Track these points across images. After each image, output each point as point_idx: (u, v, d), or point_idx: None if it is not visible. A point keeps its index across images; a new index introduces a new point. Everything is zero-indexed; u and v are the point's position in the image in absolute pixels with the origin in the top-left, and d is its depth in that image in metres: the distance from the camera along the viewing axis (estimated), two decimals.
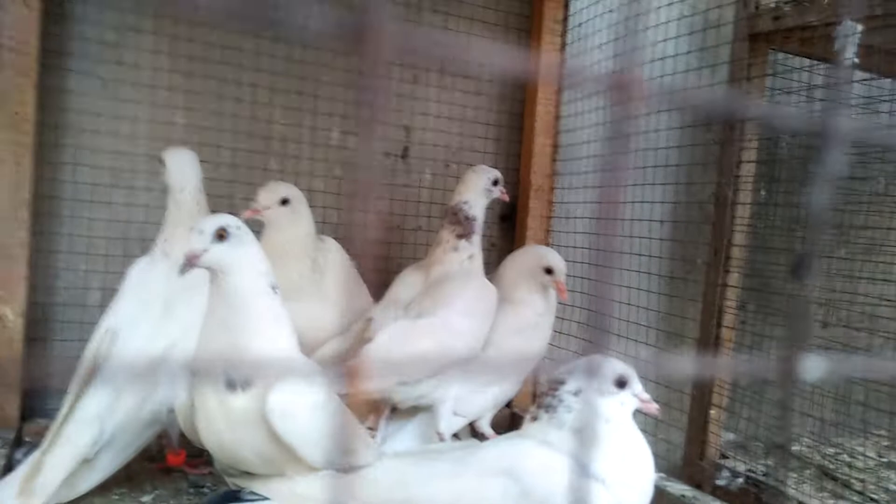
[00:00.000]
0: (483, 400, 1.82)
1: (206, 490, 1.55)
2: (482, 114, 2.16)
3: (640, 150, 2.00)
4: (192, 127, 1.85)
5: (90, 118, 1.77)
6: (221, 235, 1.18)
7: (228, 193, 1.85)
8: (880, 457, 2.42)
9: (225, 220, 1.20)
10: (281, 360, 1.20)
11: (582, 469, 0.97)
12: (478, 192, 1.81)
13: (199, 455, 1.57)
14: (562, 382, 1.12)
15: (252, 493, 1.22)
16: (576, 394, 1.10)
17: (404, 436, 1.74)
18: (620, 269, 1.95)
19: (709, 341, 1.98)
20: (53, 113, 1.73)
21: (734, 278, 1.97)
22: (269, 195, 1.69)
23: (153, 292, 1.51)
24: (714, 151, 2.02)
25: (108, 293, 1.73)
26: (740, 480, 1.96)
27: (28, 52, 1.59)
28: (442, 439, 1.75)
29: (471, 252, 1.78)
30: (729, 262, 1.95)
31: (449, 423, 1.78)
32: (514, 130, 2.19)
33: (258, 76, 1.89)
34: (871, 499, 2.03)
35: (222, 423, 1.20)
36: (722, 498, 1.69)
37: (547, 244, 2.12)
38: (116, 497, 1.47)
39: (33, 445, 1.46)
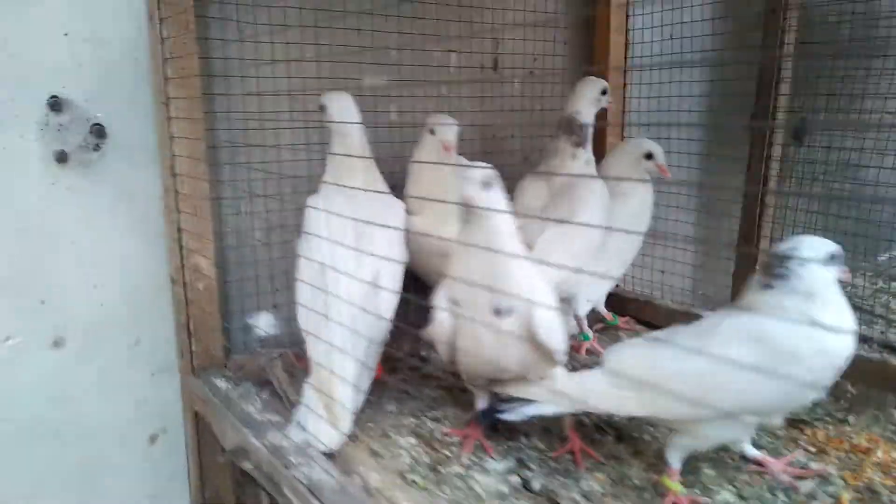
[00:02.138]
0: (604, 285, 2.14)
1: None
2: (552, 18, 2.29)
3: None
4: (322, 65, 1.90)
5: (233, 64, 1.80)
6: (489, 183, 1.36)
7: None
8: None
9: (486, 171, 1.38)
10: (535, 288, 1.43)
11: (818, 324, 1.25)
12: (589, 101, 1.99)
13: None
14: (786, 256, 1.34)
15: (511, 399, 1.47)
16: (802, 265, 1.32)
17: None
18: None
19: None
20: (205, 64, 1.74)
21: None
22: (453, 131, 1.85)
23: (341, 226, 1.66)
24: None
25: (269, 231, 1.86)
26: None
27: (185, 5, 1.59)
28: (580, 322, 2.07)
29: (587, 157, 1.99)
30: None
31: (584, 307, 2.10)
32: (584, 31, 2.36)
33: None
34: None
35: (491, 342, 1.42)
36: None
37: (622, 138, 2.37)
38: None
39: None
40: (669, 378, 1.31)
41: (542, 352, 1.45)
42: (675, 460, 1.43)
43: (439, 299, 1.48)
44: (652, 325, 2.22)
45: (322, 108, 1.72)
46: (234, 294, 1.90)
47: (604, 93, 2.02)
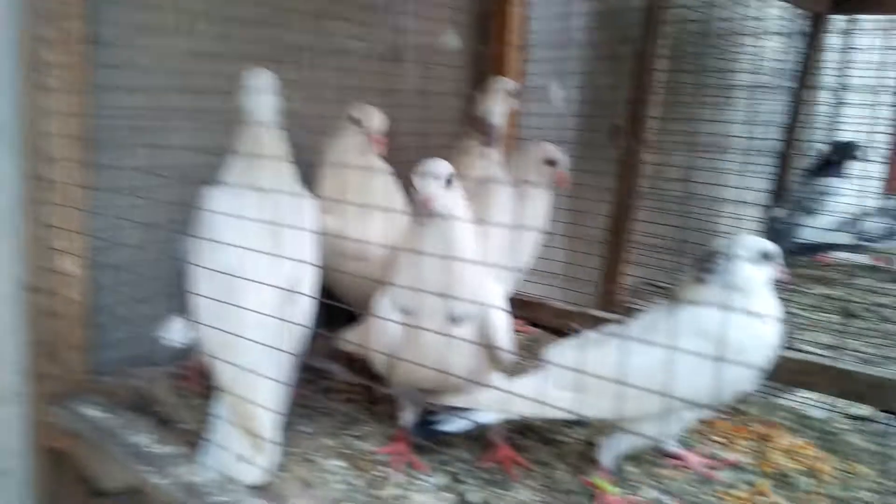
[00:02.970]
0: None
1: None
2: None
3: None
4: (222, 38, 1.66)
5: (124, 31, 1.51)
6: (450, 181, 1.25)
7: None
8: None
9: (446, 165, 1.27)
10: (490, 292, 1.37)
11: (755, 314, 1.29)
12: (498, 101, 1.98)
13: None
14: (719, 253, 1.38)
15: (448, 408, 1.38)
16: (731, 260, 1.36)
17: None
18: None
19: None
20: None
21: None
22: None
23: (249, 228, 1.45)
24: None
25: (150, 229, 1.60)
26: None
27: None
28: None
29: (496, 158, 1.98)
30: None
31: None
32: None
33: None
34: None
35: (444, 350, 1.32)
36: None
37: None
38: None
39: None
40: (617, 376, 1.24)
41: (494, 358, 1.40)
42: (608, 460, 1.43)
43: (384, 307, 1.36)
44: (546, 328, 2.24)
45: (238, 86, 1.50)
46: (106, 304, 1.60)
47: (513, 93, 2.01)
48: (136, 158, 1.58)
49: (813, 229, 3.17)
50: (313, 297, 1.45)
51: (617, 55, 2.59)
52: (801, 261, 3.28)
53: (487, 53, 2.22)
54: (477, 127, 1.95)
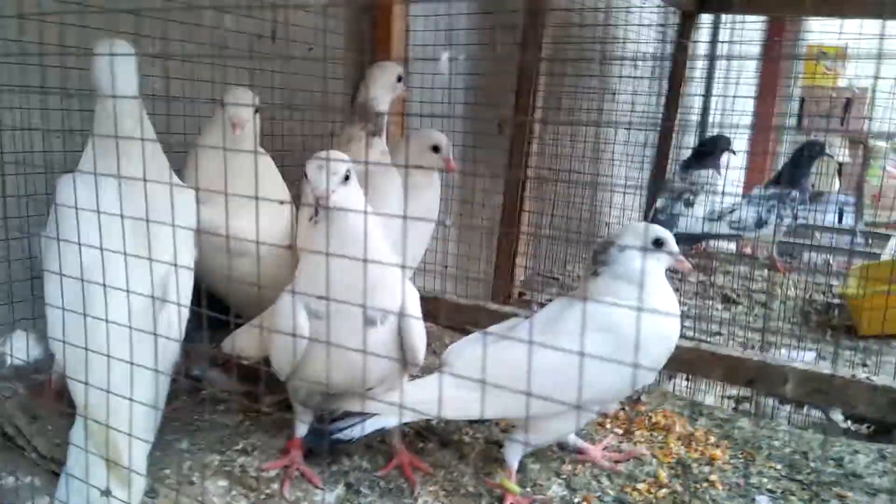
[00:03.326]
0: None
1: None
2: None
3: None
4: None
5: None
6: (347, 176, 1.14)
7: None
8: None
9: (345, 158, 1.16)
10: (405, 293, 1.28)
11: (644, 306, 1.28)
12: (385, 88, 1.87)
13: None
14: (611, 244, 1.35)
15: (348, 414, 1.30)
16: (621, 251, 1.33)
17: None
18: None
19: None
20: None
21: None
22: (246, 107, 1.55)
23: (111, 225, 1.22)
24: None
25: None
26: None
27: None
28: None
29: (382, 147, 1.87)
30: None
31: None
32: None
33: None
34: None
35: (356, 354, 1.17)
36: None
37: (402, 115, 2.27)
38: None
39: None
40: (520, 375, 1.16)
41: (407, 360, 1.31)
42: (514, 460, 1.38)
43: (289, 308, 1.22)
44: (440, 324, 2.16)
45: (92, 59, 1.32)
46: None
47: (399, 79, 1.91)
48: None
49: (691, 219, 3.30)
50: (186, 304, 1.29)
51: (500, 44, 2.55)
52: (682, 250, 3.42)
53: (372, 36, 2.11)
54: (363, 115, 1.83)
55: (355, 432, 1.29)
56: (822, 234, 3.96)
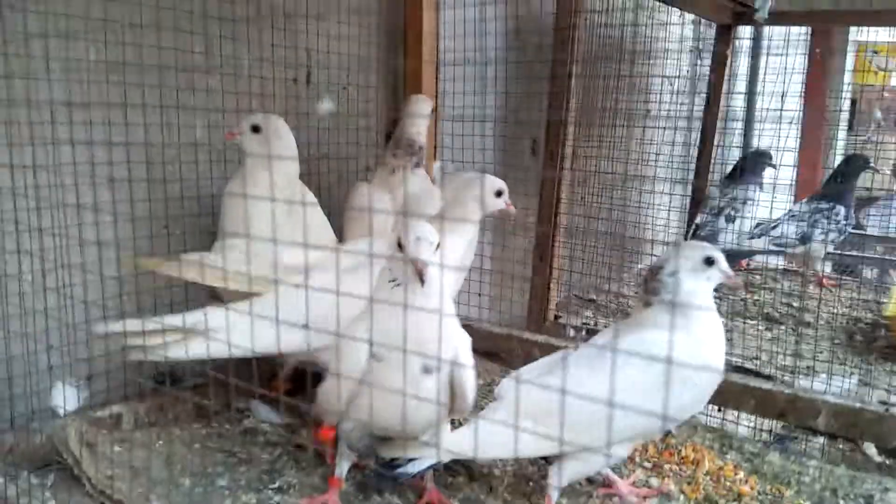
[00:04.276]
0: None
1: None
2: (364, 32, 2.17)
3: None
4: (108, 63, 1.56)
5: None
6: (438, 245, 1.21)
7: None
8: None
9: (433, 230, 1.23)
10: (459, 345, 1.31)
11: (692, 339, 1.30)
12: (425, 122, 2.00)
13: None
14: (661, 267, 1.36)
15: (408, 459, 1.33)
16: (672, 275, 1.35)
17: None
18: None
19: None
20: None
21: None
22: (245, 121, 1.69)
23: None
24: None
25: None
26: (584, 333, 2.56)
27: None
28: None
29: (424, 175, 2.00)
30: None
31: None
32: (396, 49, 2.27)
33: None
34: None
35: (411, 400, 1.21)
36: None
37: (433, 153, 2.33)
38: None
39: None
40: (577, 410, 1.21)
41: (457, 408, 1.34)
42: (556, 494, 1.40)
43: (354, 350, 1.28)
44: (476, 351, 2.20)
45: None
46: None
47: (432, 111, 2.05)
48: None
49: (733, 235, 3.26)
50: None
51: (532, 73, 2.59)
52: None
53: (401, 71, 2.19)
54: (409, 149, 1.94)
55: (413, 468, 1.32)
56: (877, 243, 3.85)
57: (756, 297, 3.14)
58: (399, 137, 1.97)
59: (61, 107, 1.51)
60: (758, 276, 3.50)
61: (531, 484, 1.55)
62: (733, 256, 3.35)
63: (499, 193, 1.93)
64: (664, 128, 3.40)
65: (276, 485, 1.46)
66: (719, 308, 2.45)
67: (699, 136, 3.61)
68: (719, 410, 1.85)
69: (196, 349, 1.40)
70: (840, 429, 1.63)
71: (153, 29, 1.60)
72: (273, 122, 1.70)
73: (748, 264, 3.56)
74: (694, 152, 3.63)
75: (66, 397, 1.44)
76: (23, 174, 1.46)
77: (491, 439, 1.31)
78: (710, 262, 1.37)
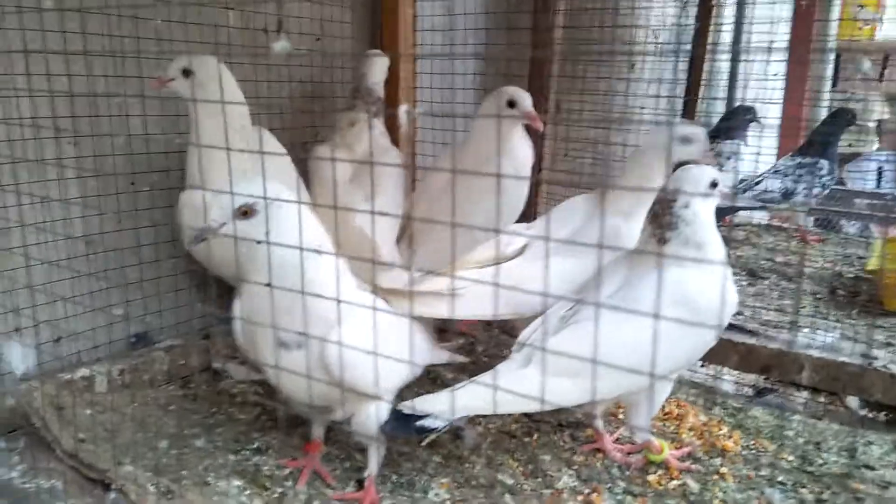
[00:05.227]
0: None
1: None
2: None
3: None
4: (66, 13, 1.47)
5: None
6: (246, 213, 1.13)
7: None
8: None
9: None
10: (336, 317, 1.17)
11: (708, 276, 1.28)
12: (382, 74, 1.95)
13: None
14: (673, 200, 1.31)
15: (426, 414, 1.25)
16: (686, 206, 1.31)
17: None
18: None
19: None
20: None
21: None
22: (173, 65, 1.54)
23: None
24: None
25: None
26: None
27: None
28: None
29: (381, 129, 1.95)
30: None
31: None
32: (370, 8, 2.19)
33: None
34: None
35: (282, 375, 1.20)
36: None
37: (414, 106, 2.25)
38: None
39: None
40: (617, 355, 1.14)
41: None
42: (645, 434, 1.41)
43: (234, 317, 1.25)
44: None
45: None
46: None
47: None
48: None
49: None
50: None
51: (513, 26, 2.50)
52: None
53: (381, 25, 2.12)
54: (368, 99, 1.88)
55: (437, 423, 1.24)
56: (859, 199, 3.85)
57: (739, 253, 3.12)
58: (356, 88, 1.91)
59: (18, 56, 1.43)
60: (741, 232, 3.49)
61: (514, 440, 1.54)
62: (717, 212, 3.34)
63: (511, 103, 1.80)
64: (648, 80, 3.34)
65: (255, 445, 1.44)
66: None
67: (683, 89, 3.55)
68: (702, 366, 1.84)
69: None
70: (822, 383, 1.62)
71: None
72: (204, 62, 1.54)
73: (731, 220, 3.54)
74: (678, 106, 3.56)
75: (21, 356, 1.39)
76: None
77: (512, 395, 1.23)
78: (715, 185, 1.35)
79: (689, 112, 3.57)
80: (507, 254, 1.59)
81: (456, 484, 1.39)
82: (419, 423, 1.24)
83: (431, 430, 1.26)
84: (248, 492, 1.28)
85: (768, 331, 2.17)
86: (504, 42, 2.47)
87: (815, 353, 1.62)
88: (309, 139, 2.06)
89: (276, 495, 1.28)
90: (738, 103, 3.65)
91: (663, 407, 1.66)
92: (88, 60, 1.54)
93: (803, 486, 1.36)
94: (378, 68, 1.93)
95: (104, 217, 1.63)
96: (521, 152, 1.85)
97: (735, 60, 4.18)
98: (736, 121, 3.30)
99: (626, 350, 1.21)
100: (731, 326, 2.14)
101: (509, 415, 1.61)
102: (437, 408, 1.25)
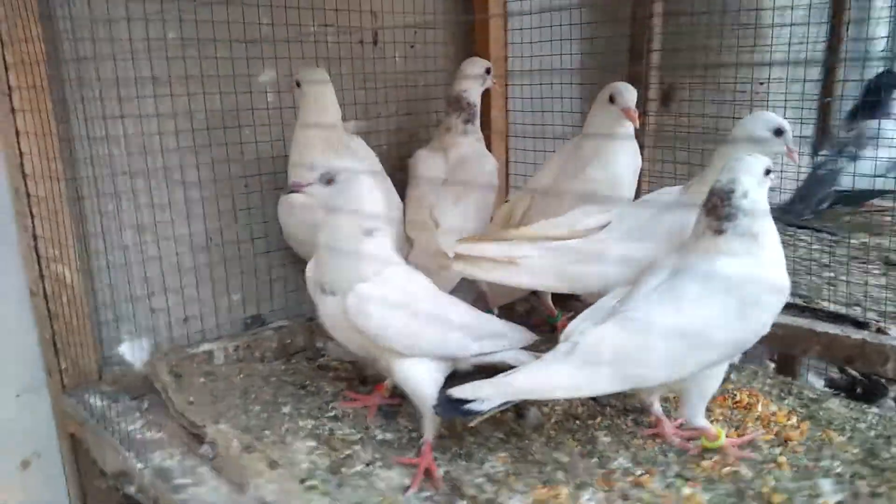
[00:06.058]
0: None
1: None
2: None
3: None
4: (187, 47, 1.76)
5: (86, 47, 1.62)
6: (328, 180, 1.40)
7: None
8: None
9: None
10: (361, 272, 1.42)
11: (761, 266, 1.31)
12: (474, 80, 2.03)
13: None
14: (732, 191, 1.32)
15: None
16: (745, 196, 1.31)
17: None
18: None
19: None
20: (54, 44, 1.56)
21: None
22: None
23: None
24: None
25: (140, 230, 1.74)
26: None
27: None
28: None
29: (477, 135, 2.05)
30: None
31: None
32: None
33: None
34: None
35: (328, 322, 1.49)
36: None
37: (506, 111, 2.36)
38: None
39: None
40: (657, 343, 1.30)
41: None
42: (701, 420, 1.44)
43: (308, 280, 1.49)
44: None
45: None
46: (108, 302, 1.75)
47: (487, 72, 2.06)
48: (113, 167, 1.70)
49: (856, 176, 2.98)
50: None
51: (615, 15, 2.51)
52: (845, 210, 3.12)
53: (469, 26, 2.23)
54: (456, 106, 2.00)
55: (484, 406, 1.33)
56: None
57: (880, 240, 2.86)
58: (448, 95, 2.03)
59: (146, 81, 1.72)
60: (888, 218, 3.19)
61: (577, 422, 1.60)
62: (855, 198, 3.08)
63: (611, 99, 1.79)
64: (778, 63, 3.12)
65: (332, 413, 1.62)
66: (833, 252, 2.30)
67: (822, 69, 3.28)
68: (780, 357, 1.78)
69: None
70: None
71: (223, 6, 1.77)
72: (308, 73, 1.79)
73: (874, 205, 3.23)
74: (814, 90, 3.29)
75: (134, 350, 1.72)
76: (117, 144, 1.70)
77: (559, 381, 1.33)
78: (768, 172, 1.35)
79: (828, 88, 3.29)
80: (579, 230, 1.65)
81: (512, 458, 1.47)
82: (466, 406, 1.34)
83: (477, 413, 1.35)
84: (318, 451, 1.46)
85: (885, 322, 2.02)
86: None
87: None
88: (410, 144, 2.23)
89: (342, 456, 1.46)
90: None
91: (734, 395, 1.65)
92: (204, 81, 1.81)
93: (861, 479, 1.30)
94: (467, 73, 2.02)
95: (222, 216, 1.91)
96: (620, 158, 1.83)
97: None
98: (879, 93, 3.01)
99: (667, 340, 1.28)
100: (839, 316, 2.01)
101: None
102: (483, 393, 1.33)
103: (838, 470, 1.34)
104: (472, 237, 1.67)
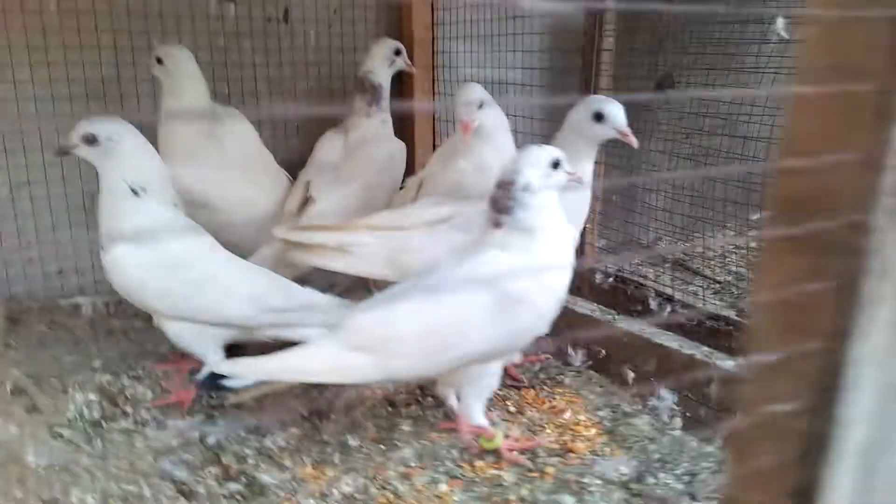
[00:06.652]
0: None
1: None
2: None
3: None
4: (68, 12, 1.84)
5: None
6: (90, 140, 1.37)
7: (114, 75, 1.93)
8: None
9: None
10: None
11: (532, 263, 1.22)
12: (381, 61, 1.95)
13: None
14: (512, 182, 1.24)
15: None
16: (525, 189, 1.23)
17: None
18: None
19: None
20: None
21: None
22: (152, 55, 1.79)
23: None
24: None
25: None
26: (611, 279, 2.29)
27: None
28: None
29: (382, 117, 1.95)
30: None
31: None
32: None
33: None
34: (716, 280, 2.32)
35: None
36: (597, 296, 1.91)
37: (433, 94, 2.27)
38: None
39: None
40: (412, 335, 1.23)
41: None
42: (478, 419, 1.37)
43: None
44: None
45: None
46: None
47: (397, 53, 1.97)
48: None
49: None
50: None
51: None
52: None
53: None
54: (360, 87, 1.94)
55: (238, 383, 1.30)
56: None
57: None
58: (357, 77, 1.97)
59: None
60: None
61: (390, 408, 1.54)
62: None
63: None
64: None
65: (137, 373, 1.63)
66: None
67: None
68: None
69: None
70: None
71: None
72: (169, 51, 1.77)
73: None
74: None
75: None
76: None
77: (315, 365, 1.28)
78: (556, 164, 1.26)
79: None
80: (416, 221, 1.59)
81: (301, 436, 1.43)
82: (222, 381, 1.31)
83: (230, 390, 1.32)
84: (94, 405, 1.46)
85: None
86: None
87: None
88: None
89: (120, 411, 1.47)
90: None
91: (552, 398, 1.52)
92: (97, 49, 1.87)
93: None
94: (374, 54, 1.95)
95: None
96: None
97: None
98: None
99: (421, 333, 1.23)
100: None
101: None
102: (238, 370, 1.30)
103: (592, 489, 1.21)
104: (308, 225, 1.68)
